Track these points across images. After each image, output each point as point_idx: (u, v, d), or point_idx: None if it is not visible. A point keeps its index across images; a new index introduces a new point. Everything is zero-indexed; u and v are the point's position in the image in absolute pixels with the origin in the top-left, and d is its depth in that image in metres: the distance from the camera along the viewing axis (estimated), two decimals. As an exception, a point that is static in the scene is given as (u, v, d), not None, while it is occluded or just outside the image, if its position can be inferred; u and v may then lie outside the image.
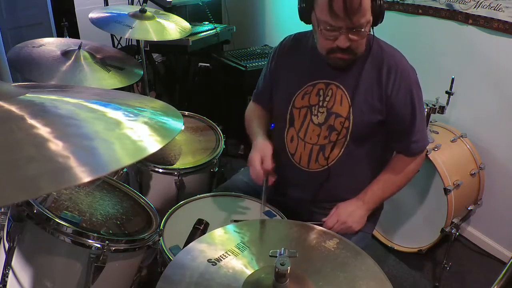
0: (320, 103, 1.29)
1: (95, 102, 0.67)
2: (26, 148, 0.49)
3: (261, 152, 1.28)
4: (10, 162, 0.47)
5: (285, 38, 1.43)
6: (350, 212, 1.28)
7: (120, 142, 0.58)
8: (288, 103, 1.34)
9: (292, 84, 1.34)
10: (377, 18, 1.18)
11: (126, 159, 0.55)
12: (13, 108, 0.55)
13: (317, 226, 1.00)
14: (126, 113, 0.66)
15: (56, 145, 0.50)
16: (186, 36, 2.12)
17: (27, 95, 0.60)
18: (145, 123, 0.65)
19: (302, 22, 1.26)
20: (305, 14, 1.22)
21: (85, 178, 0.47)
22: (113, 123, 0.62)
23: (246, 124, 1.49)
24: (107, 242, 0.98)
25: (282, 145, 1.36)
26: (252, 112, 1.52)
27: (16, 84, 0.67)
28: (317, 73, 1.30)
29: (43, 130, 0.52)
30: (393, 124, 1.27)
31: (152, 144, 0.59)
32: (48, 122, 0.54)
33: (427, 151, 1.74)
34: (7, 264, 0.98)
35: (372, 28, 1.22)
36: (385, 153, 1.39)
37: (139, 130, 0.62)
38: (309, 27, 1.29)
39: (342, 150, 1.28)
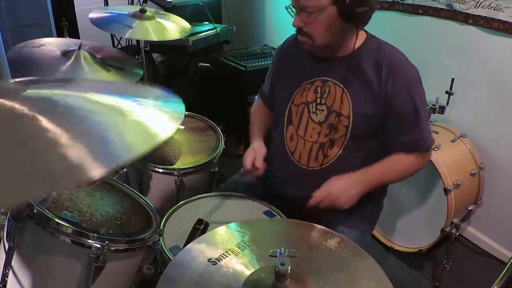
0: (318, 100, 1.30)
1: (99, 93, 0.66)
2: (33, 145, 0.49)
3: (255, 152, 1.37)
4: (10, 162, 0.46)
5: (288, 38, 1.46)
6: (343, 189, 1.21)
7: (132, 131, 0.57)
8: (288, 101, 1.36)
9: (292, 82, 1.36)
10: (344, 11, 1.16)
11: (140, 147, 0.54)
12: (16, 105, 0.54)
13: (318, 226, 0.99)
14: (132, 102, 0.65)
15: (65, 142, 0.50)
16: (186, 36, 2.12)
17: (28, 91, 0.59)
18: (151, 109, 0.64)
19: None
20: None
21: (100, 172, 0.46)
22: (120, 113, 0.61)
23: (250, 120, 1.55)
24: (107, 242, 0.98)
25: (282, 144, 1.37)
26: (257, 109, 1.56)
27: (16, 80, 0.67)
28: (315, 71, 1.32)
29: (50, 127, 0.51)
30: (394, 122, 1.25)
31: (163, 129, 0.58)
32: (53, 118, 0.53)
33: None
34: (7, 264, 0.98)
35: (357, 29, 1.22)
36: (384, 155, 1.38)
37: (147, 117, 0.61)
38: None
39: (342, 149, 1.28)
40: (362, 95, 1.25)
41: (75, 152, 0.48)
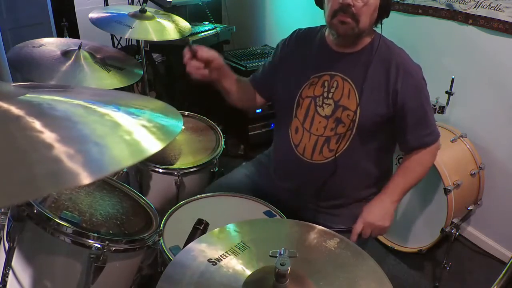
0: (325, 94, 1.31)
1: (96, 103, 0.67)
2: (26, 148, 0.49)
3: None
4: (10, 163, 0.46)
5: (294, 31, 1.46)
6: (374, 212, 1.26)
7: (120, 143, 0.57)
8: (295, 94, 1.36)
9: (300, 75, 1.36)
10: (384, 3, 1.21)
11: (126, 161, 0.55)
12: (12, 108, 0.55)
13: (317, 226, 0.99)
14: (126, 114, 0.66)
15: (57, 146, 0.50)
16: (186, 36, 2.12)
17: (27, 95, 0.60)
18: (145, 124, 0.65)
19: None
20: None
21: (85, 179, 0.47)
22: (114, 124, 0.62)
23: None
24: (107, 242, 0.98)
25: (286, 136, 1.38)
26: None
27: (17, 84, 0.67)
28: (322, 65, 1.33)
29: (44, 131, 0.52)
30: (404, 119, 1.27)
31: (152, 145, 0.59)
32: (48, 123, 0.54)
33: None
34: (7, 264, 0.98)
35: (381, 25, 1.27)
36: (389, 152, 1.40)
37: (139, 131, 0.62)
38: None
39: (347, 143, 1.29)
40: (370, 91, 1.26)
41: (59, 156, 0.49)
